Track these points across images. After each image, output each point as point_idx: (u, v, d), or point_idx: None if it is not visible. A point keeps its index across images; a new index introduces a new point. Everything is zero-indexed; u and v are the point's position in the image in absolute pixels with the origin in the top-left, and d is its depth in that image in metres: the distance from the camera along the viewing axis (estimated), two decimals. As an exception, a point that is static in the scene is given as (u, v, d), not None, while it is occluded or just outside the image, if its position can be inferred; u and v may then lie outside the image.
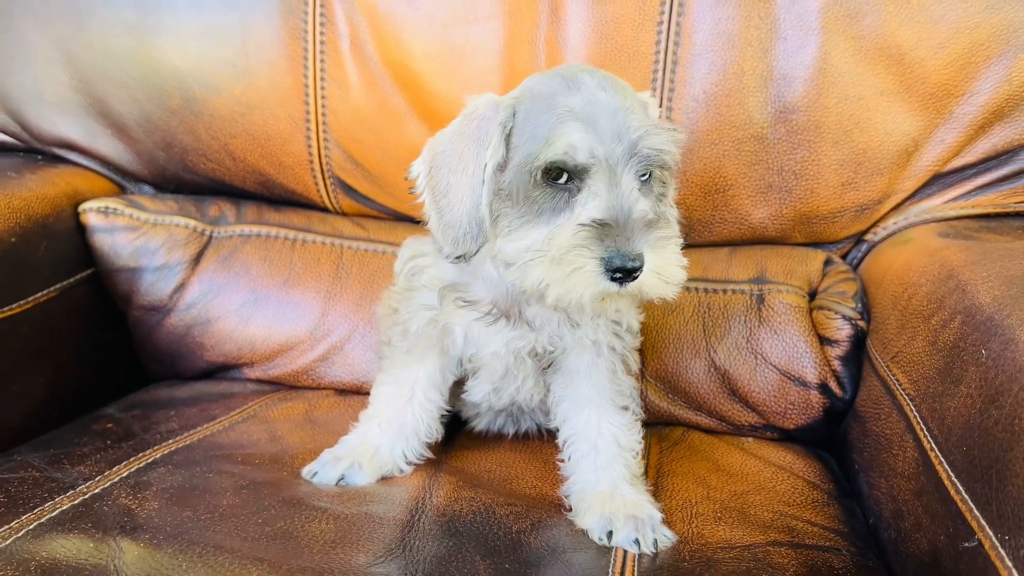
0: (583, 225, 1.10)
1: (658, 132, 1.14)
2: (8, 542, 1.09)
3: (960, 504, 1.04)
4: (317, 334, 1.78)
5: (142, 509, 1.19)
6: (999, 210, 1.62)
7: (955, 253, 1.41)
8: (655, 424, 1.64)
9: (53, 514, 1.17)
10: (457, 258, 1.23)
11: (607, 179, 1.11)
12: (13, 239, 1.59)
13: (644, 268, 1.09)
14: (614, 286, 1.08)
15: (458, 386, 1.47)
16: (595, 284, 1.09)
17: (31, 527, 1.13)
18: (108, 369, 1.86)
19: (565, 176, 1.13)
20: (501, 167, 1.17)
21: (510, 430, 1.56)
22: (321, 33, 1.72)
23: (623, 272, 1.07)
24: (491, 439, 1.55)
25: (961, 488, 1.05)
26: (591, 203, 1.11)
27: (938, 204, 1.65)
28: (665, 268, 1.11)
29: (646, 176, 1.17)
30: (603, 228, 1.09)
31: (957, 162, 1.61)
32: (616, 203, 1.10)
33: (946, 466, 1.10)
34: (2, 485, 1.26)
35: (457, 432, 1.57)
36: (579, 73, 1.18)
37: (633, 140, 1.12)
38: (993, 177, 1.61)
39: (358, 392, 1.75)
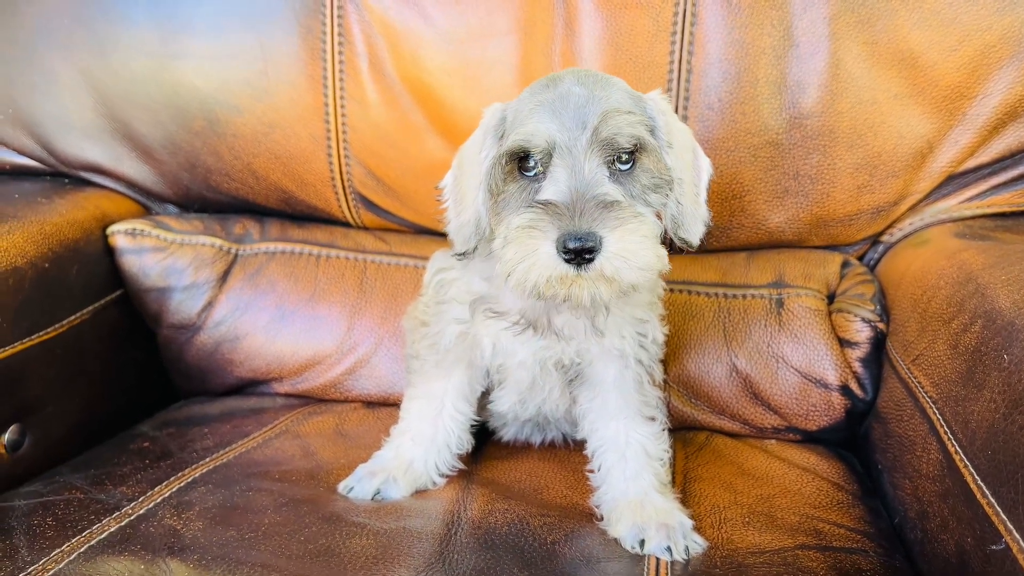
0: (532, 207, 1.12)
1: (618, 115, 1.14)
2: (62, 565, 1.12)
3: (986, 507, 1.06)
4: (344, 348, 1.82)
5: (187, 529, 1.22)
6: (1015, 209, 1.64)
7: (973, 255, 1.43)
8: (679, 429, 1.67)
9: (102, 536, 1.21)
10: (461, 255, 1.31)
11: (569, 165, 1.13)
12: (47, 264, 1.63)
13: (604, 251, 1.08)
14: (571, 269, 1.08)
15: (484, 396, 1.50)
16: (551, 267, 1.09)
17: (82, 550, 1.17)
18: (140, 387, 1.90)
19: (533, 164, 1.17)
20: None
21: (536, 439, 1.59)
22: (340, 53, 1.75)
23: (577, 253, 1.07)
24: (519, 448, 1.58)
25: (987, 491, 1.07)
26: (550, 187, 1.14)
27: (954, 204, 1.67)
28: (629, 251, 1.09)
29: (627, 165, 1.18)
30: (557, 209, 1.10)
31: (972, 162, 1.63)
32: (575, 186, 1.11)
33: (971, 469, 1.12)
34: (49, 508, 1.30)
35: (485, 442, 1.60)
36: (565, 73, 1.22)
37: (595, 125, 1.13)
38: (1008, 176, 1.63)
39: (385, 404, 1.79)
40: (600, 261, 1.08)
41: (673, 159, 1.23)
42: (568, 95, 1.16)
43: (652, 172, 1.20)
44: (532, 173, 1.18)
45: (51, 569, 1.12)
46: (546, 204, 1.11)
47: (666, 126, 1.24)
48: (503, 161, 1.19)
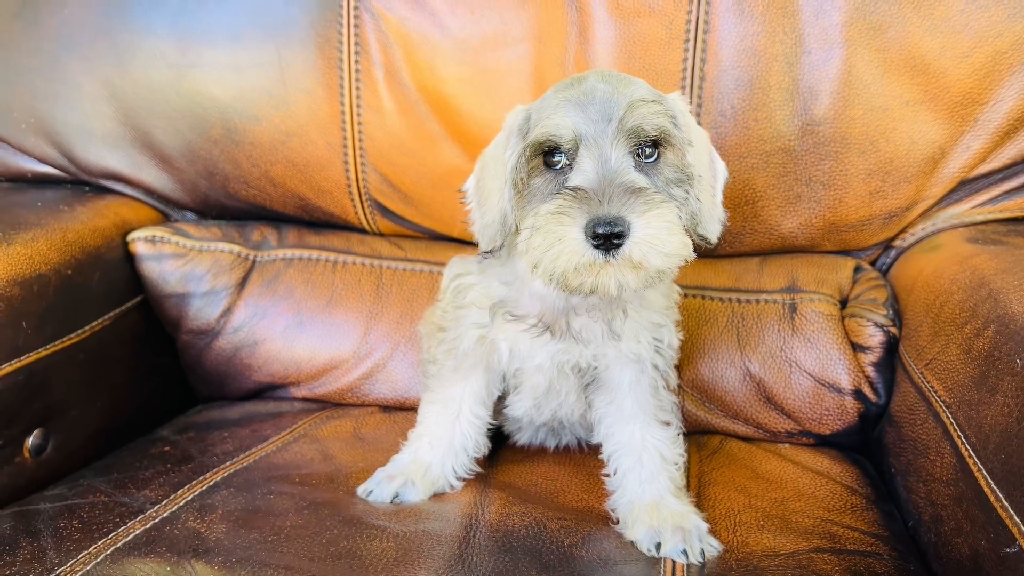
0: (560, 193, 1.14)
1: (643, 104, 1.17)
2: (90, 567, 1.15)
3: (1000, 511, 1.07)
4: (360, 353, 1.84)
5: (211, 532, 1.24)
6: (1026, 214, 1.65)
7: (986, 260, 1.44)
8: (693, 433, 1.68)
9: (127, 539, 1.23)
10: (487, 253, 1.32)
11: (596, 155, 1.15)
12: (70, 271, 1.66)
13: (632, 236, 1.09)
14: (599, 255, 1.10)
15: (500, 401, 1.52)
16: (579, 253, 1.10)
17: (108, 552, 1.19)
18: (159, 391, 1.93)
19: (559, 158, 1.19)
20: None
21: (551, 444, 1.60)
22: (356, 62, 1.78)
23: (605, 238, 1.08)
24: (534, 452, 1.60)
25: (1001, 495, 1.08)
26: (577, 177, 1.16)
27: (966, 209, 1.68)
28: (657, 237, 1.11)
29: (652, 158, 1.20)
30: (585, 195, 1.11)
31: (983, 168, 1.64)
32: (602, 173, 1.13)
33: (985, 473, 1.14)
34: (74, 511, 1.33)
35: (501, 446, 1.61)
36: (589, 72, 1.25)
37: (620, 116, 1.16)
38: (1020, 182, 1.64)
39: (401, 408, 1.81)
40: (628, 246, 1.10)
41: (692, 156, 1.25)
42: (593, 91, 1.19)
43: (675, 166, 1.22)
44: (558, 167, 1.20)
45: (79, 571, 1.14)
46: (575, 190, 1.13)
47: (686, 125, 1.26)
48: (529, 155, 1.21)
